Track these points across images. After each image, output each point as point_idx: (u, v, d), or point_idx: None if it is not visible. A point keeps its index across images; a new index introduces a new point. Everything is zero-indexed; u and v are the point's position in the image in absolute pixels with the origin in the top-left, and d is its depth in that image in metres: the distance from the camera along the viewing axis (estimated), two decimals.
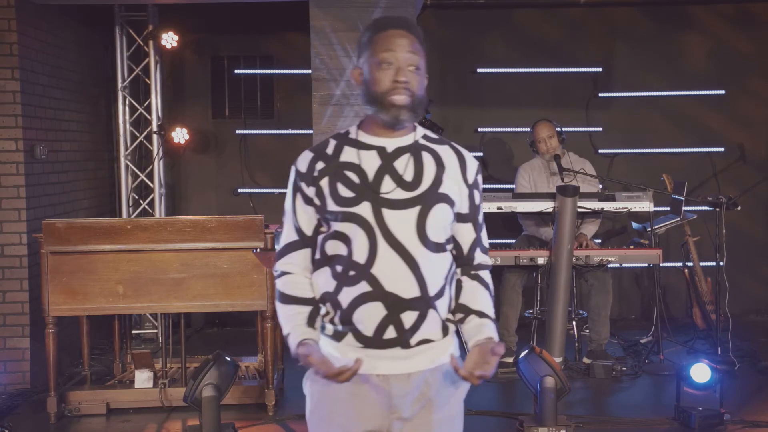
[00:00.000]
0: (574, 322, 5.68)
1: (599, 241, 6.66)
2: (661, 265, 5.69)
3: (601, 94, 7.03)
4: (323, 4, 4.90)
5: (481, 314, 2.20)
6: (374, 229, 2.11)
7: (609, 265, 5.62)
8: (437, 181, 2.16)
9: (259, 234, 4.67)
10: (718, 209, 5.59)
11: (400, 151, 2.18)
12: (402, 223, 2.12)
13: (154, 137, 6.81)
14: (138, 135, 6.88)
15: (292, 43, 6.91)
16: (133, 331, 6.30)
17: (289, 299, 2.21)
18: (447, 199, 2.16)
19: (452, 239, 2.22)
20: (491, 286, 2.27)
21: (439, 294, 2.15)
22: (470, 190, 2.22)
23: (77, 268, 4.64)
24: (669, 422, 4.52)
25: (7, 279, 5.34)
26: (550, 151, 5.80)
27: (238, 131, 7.03)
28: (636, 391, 5.24)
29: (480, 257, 2.26)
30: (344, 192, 2.14)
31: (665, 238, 6.62)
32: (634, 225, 6.27)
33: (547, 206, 5.56)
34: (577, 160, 5.86)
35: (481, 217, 2.26)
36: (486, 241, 2.29)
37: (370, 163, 2.16)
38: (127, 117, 6.84)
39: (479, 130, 7.00)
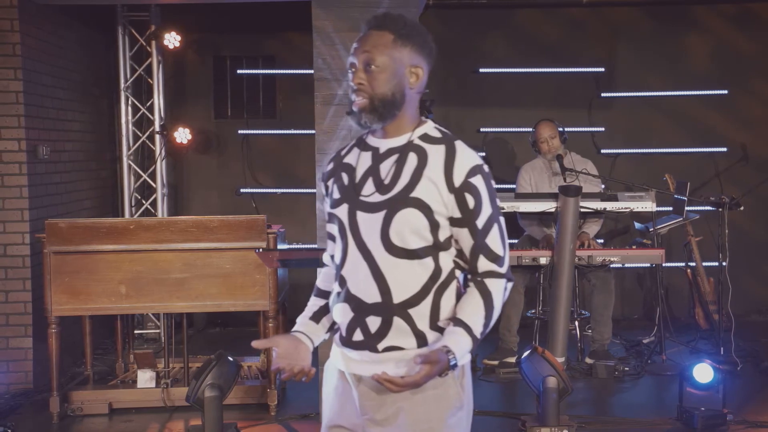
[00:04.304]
0: (576, 322, 5.68)
1: (602, 241, 6.66)
2: (663, 265, 5.69)
3: (603, 94, 7.03)
4: (325, 4, 4.89)
5: (457, 322, 2.05)
6: (347, 231, 2.13)
7: (611, 265, 5.62)
8: (411, 184, 2.06)
9: (261, 234, 4.67)
10: (720, 209, 5.59)
11: (390, 152, 2.14)
12: (369, 227, 2.09)
13: (157, 137, 6.81)
14: (140, 135, 6.89)
15: (294, 43, 6.91)
16: (136, 331, 6.30)
17: (315, 290, 2.32)
18: (419, 204, 2.05)
19: (455, 244, 2.12)
20: (494, 296, 2.09)
21: (411, 303, 2.07)
22: (458, 193, 2.05)
23: (80, 268, 4.65)
24: (671, 422, 4.51)
25: (10, 279, 5.35)
26: (552, 151, 5.80)
27: (240, 131, 7.04)
28: (638, 391, 5.24)
29: (486, 265, 2.09)
30: (335, 193, 2.19)
31: (668, 238, 6.61)
32: (637, 225, 6.26)
33: (549, 206, 5.55)
34: (579, 160, 5.86)
35: (483, 222, 2.08)
36: (498, 248, 2.10)
37: (363, 164, 2.16)
38: (130, 117, 6.85)
39: (481, 130, 7.00)
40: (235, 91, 7.06)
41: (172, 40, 6.59)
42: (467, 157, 2.09)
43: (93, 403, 4.82)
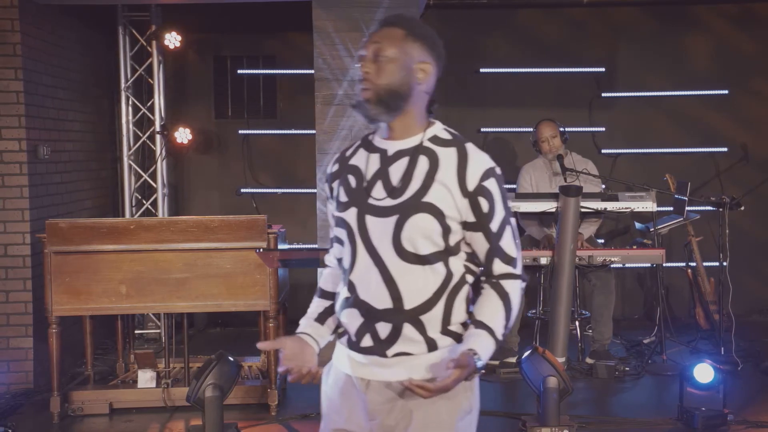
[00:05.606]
0: (577, 322, 5.68)
1: (602, 241, 6.65)
2: (664, 265, 5.68)
3: (603, 94, 7.03)
4: (326, 4, 4.90)
5: (478, 324, 2.05)
6: (356, 235, 2.09)
7: (612, 265, 5.61)
8: (424, 188, 2.04)
9: (261, 234, 4.67)
10: (721, 209, 5.59)
11: (399, 155, 2.10)
12: (380, 231, 2.06)
13: (157, 137, 6.81)
14: (141, 135, 6.89)
15: (295, 43, 6.92)
16: (136, 331, 6.31)
17: (318, 291, 2.29)
18: (431, 209, 2.03)
19: (465, 248, 2.10)
20: (512, 297, 2.10)
21: (423, 309, 2.05)
22: (472, 197, 2.04)
23: (80, 268, 4.65)
24: (672, 422, 4.51)
25: (11, 279, 5.35)
26: (552, 151, 5.80)
27: (240, 131, 7.04)
28: (639, 391, 5.24)
29: (502, 267, 2.09)
30: (342, 196, 2.15)
31: (668, 238, 6.61)
32: (637, 225, 6.26)
33: (549, 206, 5.55)
34: (579, 160, 5.86)
35: (497, 225, 2.07)
36: (511, 250, 2.11)
37: (372, 167, 2.12)
38: (130, 117, 6.85)
39: (482, 130, 7.00)
40: (236, 91, 7.06)
41: (172, 40, 6.59)
42: (480, 161, 2.08)
43: (93, 403, 4.82)
